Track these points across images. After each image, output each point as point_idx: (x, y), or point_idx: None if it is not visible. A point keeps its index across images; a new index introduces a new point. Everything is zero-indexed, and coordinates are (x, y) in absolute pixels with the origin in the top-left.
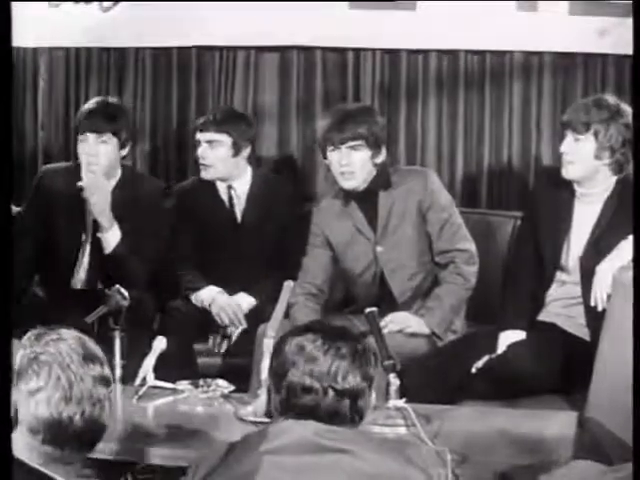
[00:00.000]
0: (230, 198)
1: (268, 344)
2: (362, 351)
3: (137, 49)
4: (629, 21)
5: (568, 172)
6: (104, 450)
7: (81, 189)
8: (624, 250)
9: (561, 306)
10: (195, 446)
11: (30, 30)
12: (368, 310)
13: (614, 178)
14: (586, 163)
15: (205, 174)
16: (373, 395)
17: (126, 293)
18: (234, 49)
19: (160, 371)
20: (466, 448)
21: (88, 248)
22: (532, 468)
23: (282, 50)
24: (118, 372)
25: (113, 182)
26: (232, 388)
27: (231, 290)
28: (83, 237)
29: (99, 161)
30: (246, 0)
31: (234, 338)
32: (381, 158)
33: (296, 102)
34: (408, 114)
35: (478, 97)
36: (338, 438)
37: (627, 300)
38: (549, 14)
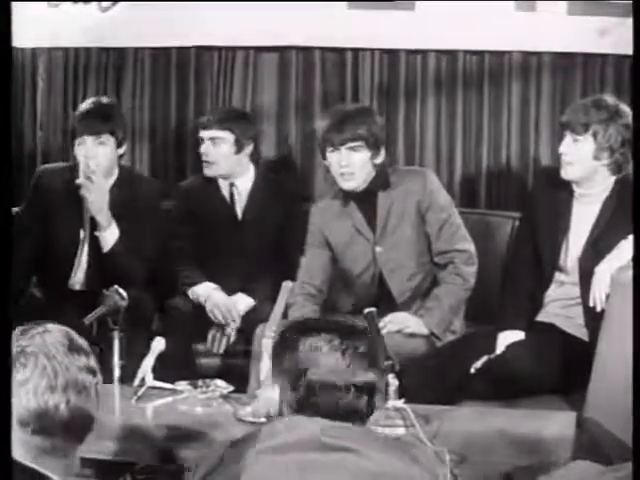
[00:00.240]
0: (231, 195)
1: (267, 344)
2: (373, 347)
3: (136, 49)
4: (629, 21)
5: (567, 173)
6: (104, 450)
7: (79, 186)
8: (623, 250)
9: (560, 306)
10: (194, 446)
11: (29, 30)
12: (367, 310)
13: (613, 178)
14: (585, 164)
15: (208, 171)
16: None
17: (124, 293)
18: (233, 49)
19: (159, 372)
20: (465, 448)
21: (86, 247)
22: (531, 468)
23: (281, 50)
24: (117, 372)
25: (111, 181)
26: (231, 388)
27: (229, 287)
28: (81, 236)
29: (98, 163)
30: (245, 0)
31: (232, 338)
32: (380, 159)
33: (295, 102)
34: (407, 114)
35: (477, 97)
36: (343, 436)
37: (626, 300)
38: (548, 14)
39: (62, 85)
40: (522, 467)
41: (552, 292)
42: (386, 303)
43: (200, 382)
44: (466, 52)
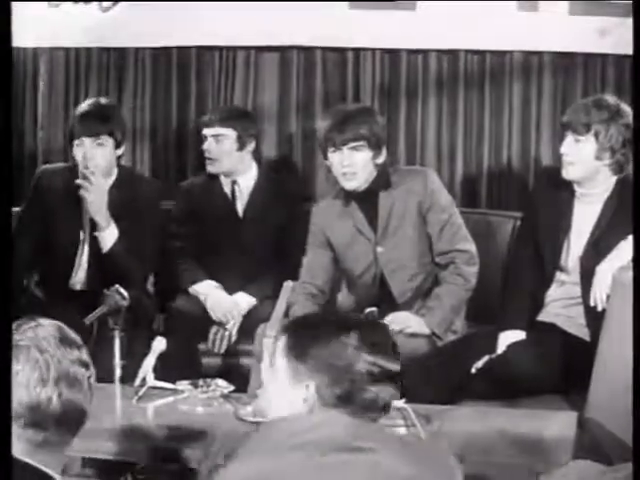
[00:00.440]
0: (233, 192)
1: (268, 344)
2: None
3: (137, 49)
4: (629, 21)
5: (568, 173)
6: (105, 450)
7: (79, 186)
8: (624, 250)
9: (561, 306)
10: (195, 446)
11: (30, 30)
12: (368, 310)
13: (614, 178)
14: (586, 164)
15: (211, 168)
16: None
17: (125, 293)
18: (234, 49)
19: (162, 371)
20: (466, 448)
21: (86, 248)
22: (532, 468)
23: (282, 50)
24: (118, 372)
25: (110, 181)
26: (232, 388)
27: (230, 285)
28: (81, 236)
29: (97, 163)
30: (246, 0)
31: (233, 338)
32: (382, 158)
33: (296, 102)
34: (408, 114)
35: (478, 97)
36: (366, 436)
37: (627, 300)
38: (549, 14)
39: (63, 85)
40: (523, 467)
41: (553, 292)
42: (387, 303)
43: (201, 382)
44: (467, 52)
